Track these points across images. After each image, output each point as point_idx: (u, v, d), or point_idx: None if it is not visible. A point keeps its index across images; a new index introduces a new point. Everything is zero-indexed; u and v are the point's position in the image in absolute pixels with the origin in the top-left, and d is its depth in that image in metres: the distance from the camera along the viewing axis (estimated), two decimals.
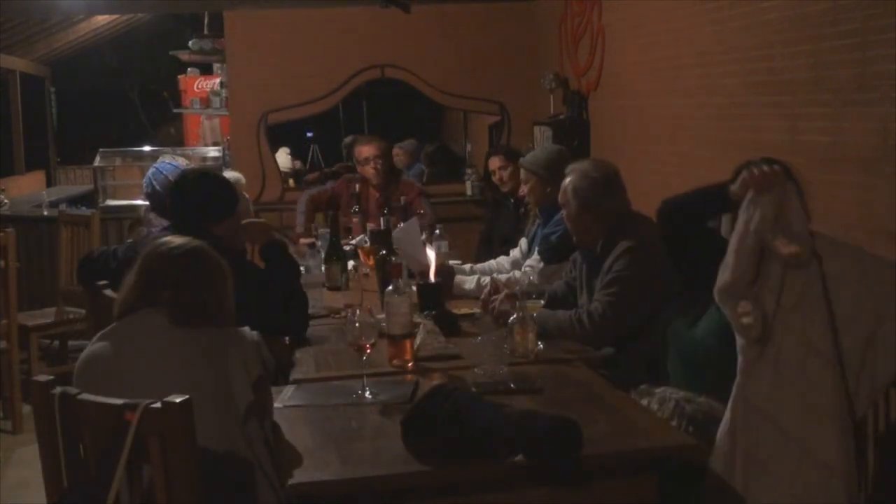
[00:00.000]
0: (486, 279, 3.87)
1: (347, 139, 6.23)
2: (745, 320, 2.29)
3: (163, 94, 17.24)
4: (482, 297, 3.39)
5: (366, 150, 5.62)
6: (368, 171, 5.58)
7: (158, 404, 1.82)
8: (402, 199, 5.45)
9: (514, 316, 2.89)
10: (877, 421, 2.46)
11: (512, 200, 5.03)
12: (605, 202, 3.24)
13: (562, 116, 6.25)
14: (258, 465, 2.08)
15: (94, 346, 2.14)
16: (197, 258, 2.21)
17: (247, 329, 2.22)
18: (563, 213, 3.39)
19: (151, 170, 4.22)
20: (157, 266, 2.18)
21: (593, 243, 3.26)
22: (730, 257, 2.34)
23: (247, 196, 4.41)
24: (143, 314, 2.14)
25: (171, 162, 4.23)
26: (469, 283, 3.85)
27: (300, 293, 3.25)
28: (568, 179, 3.33)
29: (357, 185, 5.59)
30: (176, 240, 2.25)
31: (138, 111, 20.83)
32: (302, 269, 3.93)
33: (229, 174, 4.19)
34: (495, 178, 5.37)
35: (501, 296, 3.25)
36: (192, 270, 2.18)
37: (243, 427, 2.06)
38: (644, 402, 2.53)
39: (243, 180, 4.49)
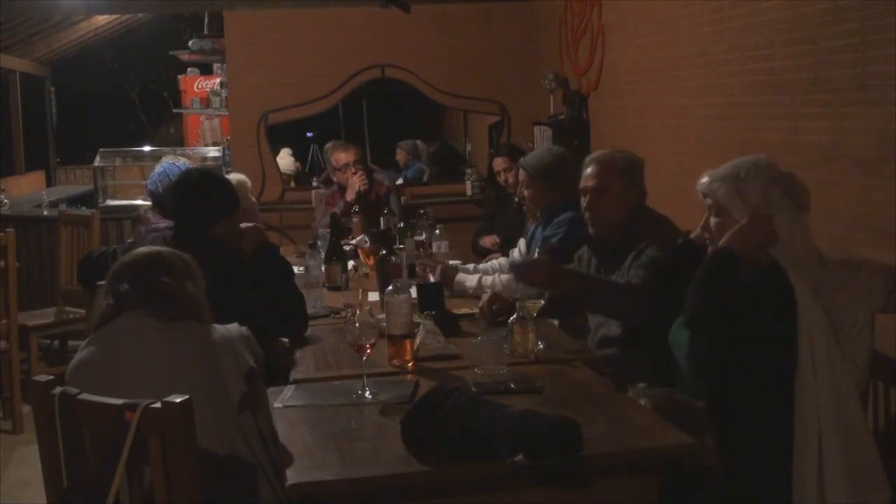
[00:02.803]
0: (488, 279, 3.87)
1: (328, 145, 6.26)
2: None
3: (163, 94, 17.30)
4: (481, 305, 3.34)
5: (344, 157, 5.62)
6: (347, 177, 5.57)
7: (158, 404, 1.82)
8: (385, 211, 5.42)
9: (514, 316, 2.89)
10: (877, 421, 2.46)
11: (517, 199, 5.03)
12: (642, 184, 3.23)
13: (562, 116, 6.25)
14: (259, 464, 2.09)
15: (82, 352, 2.14)
16: (157, 257, 2.26)
17: (235, 324, 2.24)
18: (589, 199, 3.19)
19: (158, 169, 4.21)
20: (120, 272, 2.23)
21: (613, 231, 3.18)
22: None
23: (254, 199, 4.40)
24: (125, 317, 2.15)
25: (177, 163, 4.22)
26: (470, 280, 3.85)
27: (295, 293, 3.25)
28: (615, 162, 3.20)
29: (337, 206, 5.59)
30: (140, 250, 2.30)
31: (138, 111, 20.85)
32: (302, 269, 3.93)
33: (233, 177, 4.18)
34: (500, 179, 5.38)
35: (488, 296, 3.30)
36: (152, 267, 2.22)
37: (238, 420, 2.07)
38: (642, 402, 2.53)
39: (248, 183, 4.47)
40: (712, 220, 2.49)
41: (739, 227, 2.41)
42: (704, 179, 2.50)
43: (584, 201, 3.25)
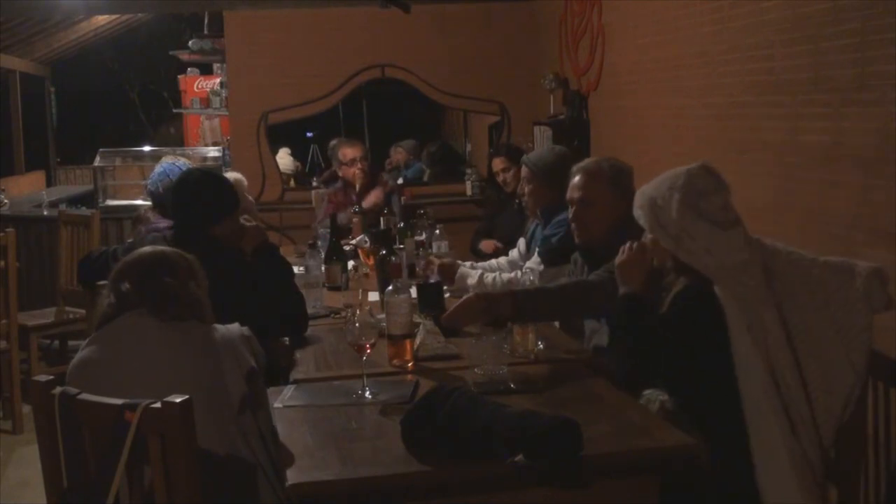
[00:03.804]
0: (490, 276, 3.87)
1: (333, 142, 6.28)
2: None
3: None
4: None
5: (350, 152, 5.63)
6: (353, 172, 5.57)
7: (158, 404, 1.82)
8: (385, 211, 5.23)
9: None
10: (877, 420, 2.46)
11: (517, 201, 5.03)
12: (631, 190, 3.20)
13: (562, 116, 6.25)
14: (259, 464, 2.09)
15: (83, 351, 2.15)
16: (160, 257, 2.26)
17: (236, 325, 2.24)
18: (575, 210, 3.20)
19: (158, 169, 4.21)
20: (123, 271, 2.23)
21: (600, 241, 3.17)
22: None
23: (251, 199, 4.41)
24: (126, 316, 2.15)
25: (177, 163, 4.23)
26: (472, 277, 3.85)
27: (295, 293, 3.25)
28: (602, 172, 3.18)
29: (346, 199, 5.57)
30: (143, 250, 2.30)
31: (138, 111, 20.86)
32: (302, 269, 3.93)
33: (230, 175, 4.18)
34: (499, 179, 5.38)
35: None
36: (155, 267, 2.22)
37: (238, 420, 2.07)
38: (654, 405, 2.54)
39: (245, 182, 4.48)
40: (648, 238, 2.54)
41: (617, 269, 2.52)
42: (635, 198, 2.54)
43: (570, 211, 3.24)
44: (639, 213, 2.50)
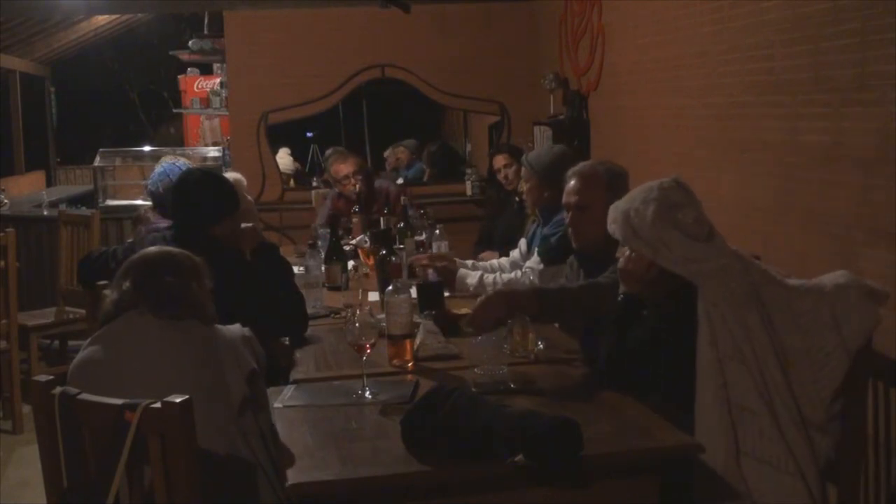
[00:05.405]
0: (490, 277, 3.87)
1: (328, 152, 6.20)
2: None
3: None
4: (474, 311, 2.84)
5: (343, 169, 5.51)
6: (348, 188, 5.49)
7: (158, 404, 1.82)
8: (385, 211, 5.14)
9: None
10: (877, 420, 2.46)
11: (517, 199, 5.02)
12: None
13: (562, 116, 6.25)
14: (259, 464, 2.09)
15: (86, 350, 2.15)
16: (166, 257, 2.27)
17: (237, 325, 2.24)
18: (571, 215, 3.20)
19: (159, 169, 4.21)
20: (127, 270, 2.24)
21: (597, 245, 3.18)
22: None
23: (250, 199, 4.40)
24: (129, 315, 2.16)
25: (177, 163, 4.23)
26: (471, 277, 3.85)
27: (295, 293, 3.25)
28: (597, 176, 3.18)
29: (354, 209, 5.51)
30: (150, 249, 2.31)
31: (138, 111, 20.85)
32: (302, 269, 3.93)
33: (229, 176, 4.18)
34: (500, 177, 5.38)
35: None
36: (158, 266, 2.23)
37: (239, 421, 2.07)
38: None
39: (244, 181, 4.47)
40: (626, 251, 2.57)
41: (619, 271, 2.55)
42: (609, 213, 2.56)
43: (566, 216, 3.25)
44: (612, 227, 2.52)
